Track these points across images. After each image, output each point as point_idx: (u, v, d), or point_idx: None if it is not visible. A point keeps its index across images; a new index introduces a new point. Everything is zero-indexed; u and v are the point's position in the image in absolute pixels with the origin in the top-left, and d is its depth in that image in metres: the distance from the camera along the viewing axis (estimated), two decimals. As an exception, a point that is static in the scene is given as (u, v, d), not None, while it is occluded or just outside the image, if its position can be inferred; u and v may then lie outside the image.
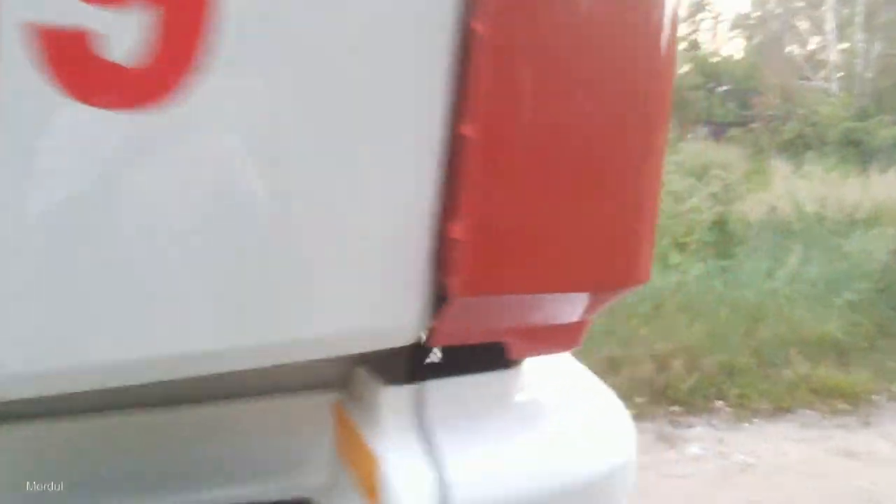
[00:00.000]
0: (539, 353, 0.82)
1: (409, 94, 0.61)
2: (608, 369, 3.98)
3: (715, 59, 22.52)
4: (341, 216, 0.61)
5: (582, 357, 3.52)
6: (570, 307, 0.75)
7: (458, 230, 0.63)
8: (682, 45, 21.59)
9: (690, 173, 8.55)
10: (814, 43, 22.82)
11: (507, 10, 0.60)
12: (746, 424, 3.73)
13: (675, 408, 3.79)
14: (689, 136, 13.35)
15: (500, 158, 0.63)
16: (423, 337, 0.69)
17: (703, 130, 15.49)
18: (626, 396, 3.65)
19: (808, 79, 20.90)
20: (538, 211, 0.66)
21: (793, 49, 23.16)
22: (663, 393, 3.83)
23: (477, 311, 0.68)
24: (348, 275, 0.62)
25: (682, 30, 22.55)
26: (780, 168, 9.40)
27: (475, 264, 0.64)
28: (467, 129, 0.62)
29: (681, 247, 5.97)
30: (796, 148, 12.45)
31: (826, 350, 4.25)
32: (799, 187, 7.61)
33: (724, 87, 19.95)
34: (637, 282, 0.75)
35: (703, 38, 25.62)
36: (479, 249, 0.64)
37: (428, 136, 0.62)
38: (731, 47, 26.15)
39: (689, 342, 4.18)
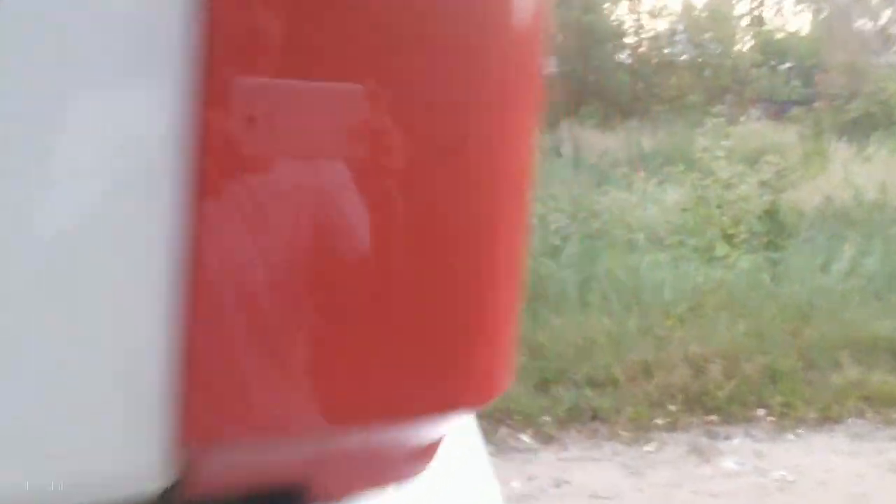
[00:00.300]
0: (365, 490, 0.61)
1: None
2: (639, 375, 3.74)
3: (779, 36, 21.60)
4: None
5: (611, 361, 3.26)
6: (385, 438, 0.55)
7: (193, 362, 0.45)
8: (744, 22, 20.82)
9: (743, 158, 8.16)
10: (885, 17, 21.64)
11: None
12: (790, 436, 3.45)
13: (712, 417, 3.54)
14: (742, 117, 12.82)
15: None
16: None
17: (761, 110, 14.89)
18: (657, 404, 3.40)
19: (878, 55, 19.85)
20: (298, 330, 0.47)
21: (863, 24, 22.03)
22: (699, 400, 3.58)
23: (245, 453, 0.49)
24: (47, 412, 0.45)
25: (745, 6, 21.72)
26: (840, 151, 8.88)
27: (211, 404, 0.46)
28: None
29: (728, 238, 5.64)
30: (862, 128, 11.76)
31: (881, 353, 3.92)
32: (859, 172, 7.14)
33: (788, 65, 19.10)
34: (485, 398, 0.54)
35: (767, 13, 24.63)
36: (217, 387, 0.46)
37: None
38: (797, 23, 25.08)
39: (730, 344, 3.90)
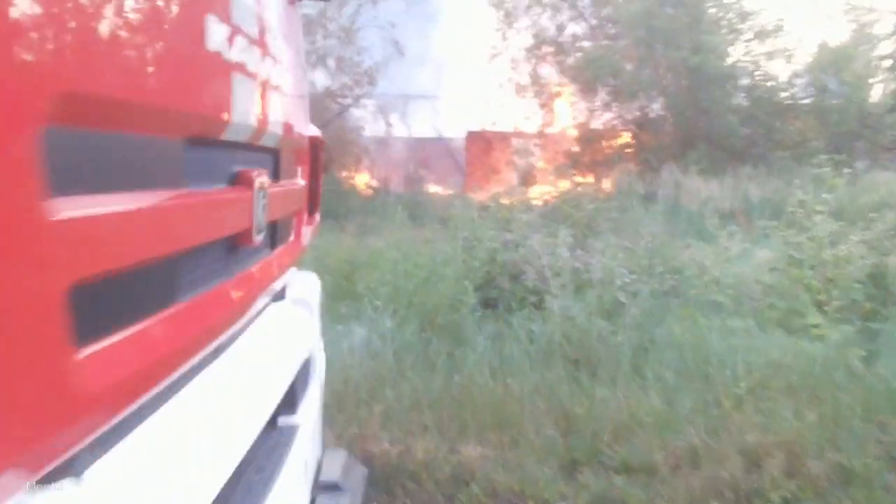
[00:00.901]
0: None
1: None
2: (683, 464, 3.26)
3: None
4: None
5: (654, 445, 2.80)
6: None
7: None
8: (885, 64, 19.40)
9: (855, 212, 7.40)
10: None
11: None
12: (857, 555, 2.88)
13: (763, 523, 3.01)
14: (863, 165, 11.77)
15: None
16: None
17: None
18: (699, 501, 2.91)
19: None
20: None
21: None
22: (749, 501, 3.06)
23: None
24: None
25: (886, 48, 20.26)
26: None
27: None
28: None
29: (819, 304, 5.01)
30: None
31: None
32: None
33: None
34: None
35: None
36: None
37: None
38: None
39: (796, 435, 3.35)
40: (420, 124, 27.53)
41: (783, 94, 16.36)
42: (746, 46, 16.04)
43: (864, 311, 4.99)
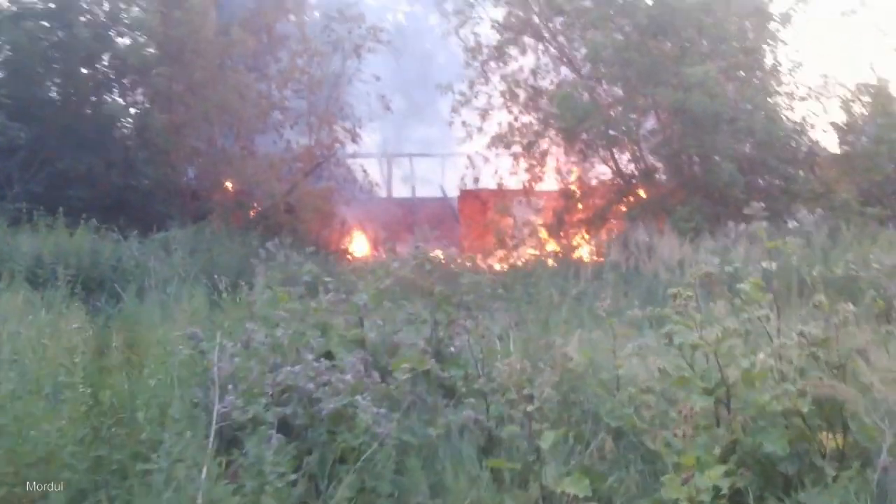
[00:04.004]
0: None
1: None
2: None
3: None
4: None
5: None
6: None
7: None
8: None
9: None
10: None
11: None
12: None
13: None
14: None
15: None
16: None
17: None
18: None
19: None
20: None
21: None
22: None
23: None
24: None
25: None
26: None
27: None
28: None
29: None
30: None
31: None
32: None
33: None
34: None
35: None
36: None
37: None
38: None
39: None
40: (424, 183, 25.93)
41: (801, 139, 13.94)
42: (757, 83, 13.74)
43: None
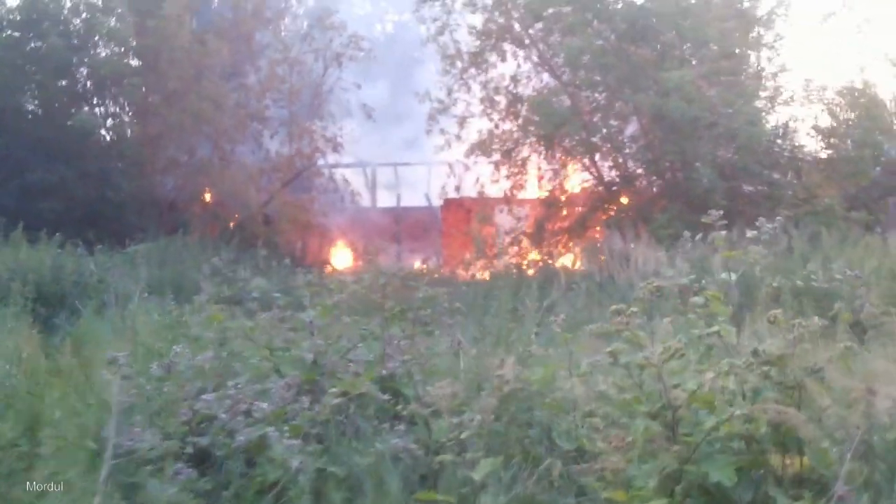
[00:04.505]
0: None
1: None
2: None
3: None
4: None
5: None
6: None
7: None
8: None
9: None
10: None
11: None
12: None
13: None
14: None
15: None
16: None
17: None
18: None
19: None
20: None
21: None
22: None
23: None
24: None
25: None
26: None
27: None
28: None
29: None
30: None
31: None
32: None
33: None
34: None
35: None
36: None
37: None
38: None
39: None
40: (409, 192, 25.65)
41: (781, 144, 13.76)
42: (739, 88, 13.53)
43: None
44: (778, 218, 4.70)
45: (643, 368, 3.02)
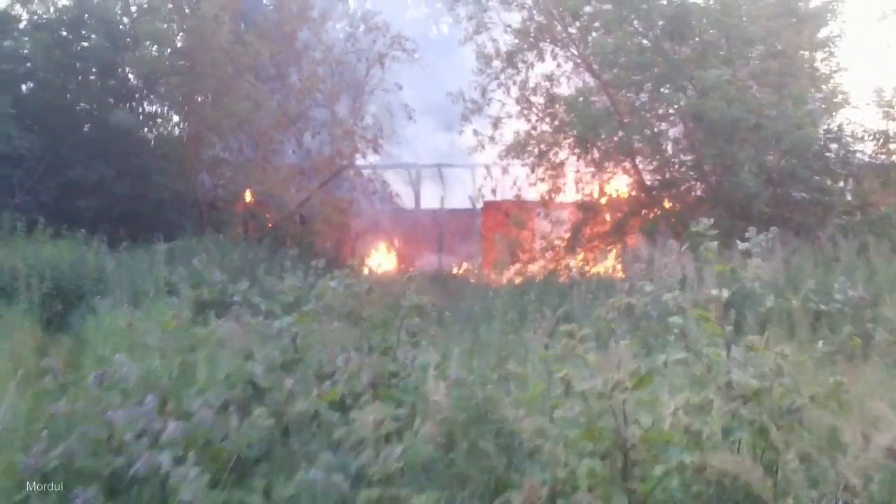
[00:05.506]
0: None
1: None
2: None
3: None
4: None
5: None
6: None
7: None
8: None
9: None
10: None
11: None
12: None
13: None
14: None
15: None
16: None
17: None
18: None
19: None
20: None
21: None
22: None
23: None
24: None
25: None
26: None
27: None
28: None
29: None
30: None
31: None
32: None
33: None
34: None
35: None
36: None
37: None
38: None
39: None
40: (454, 194, 25.35)
41: (837, 147, 12.97)
42: (788, 89, 12.80)
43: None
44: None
45: (600, 398, 2.65)
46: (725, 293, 3.41)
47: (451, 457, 3.21)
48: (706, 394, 2.52)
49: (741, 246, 3.63)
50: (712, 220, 3.48)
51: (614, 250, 13.64)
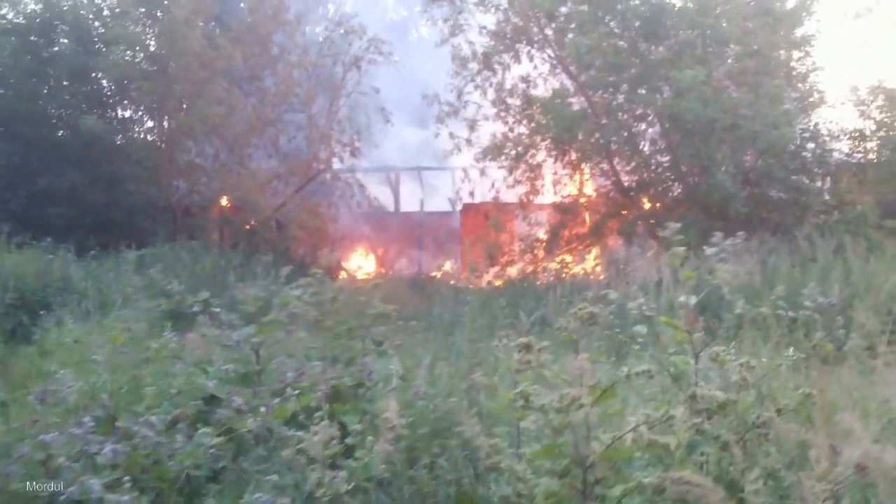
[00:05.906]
0: None
1: None
2: None
3: None
4: None
5: None
6: None
7: None
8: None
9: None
10: None
11: None
12: None
13: None
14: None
15: None
16: None
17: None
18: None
19: None
20: None
21: None
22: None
23: None
24: None
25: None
26: None
27: None
28: None
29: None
30: None
31: None
32: None
33: None
34: None
35: None
36: None
37: None
38: None
39: None
40: (434, 196, 25.22)
41: (813, 147, 12.98)
42: (764, 89, 12.79)
43: None
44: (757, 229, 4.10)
45: (559, 412, 2.52)
46: (693, 299, 3.31)
47: (411, 473, 3.08)
48: (667, 409, 2.40)
49: (708, 251, 3.52)
50: (679, 225, 3.37)
51: (593, 251, 13.56)
